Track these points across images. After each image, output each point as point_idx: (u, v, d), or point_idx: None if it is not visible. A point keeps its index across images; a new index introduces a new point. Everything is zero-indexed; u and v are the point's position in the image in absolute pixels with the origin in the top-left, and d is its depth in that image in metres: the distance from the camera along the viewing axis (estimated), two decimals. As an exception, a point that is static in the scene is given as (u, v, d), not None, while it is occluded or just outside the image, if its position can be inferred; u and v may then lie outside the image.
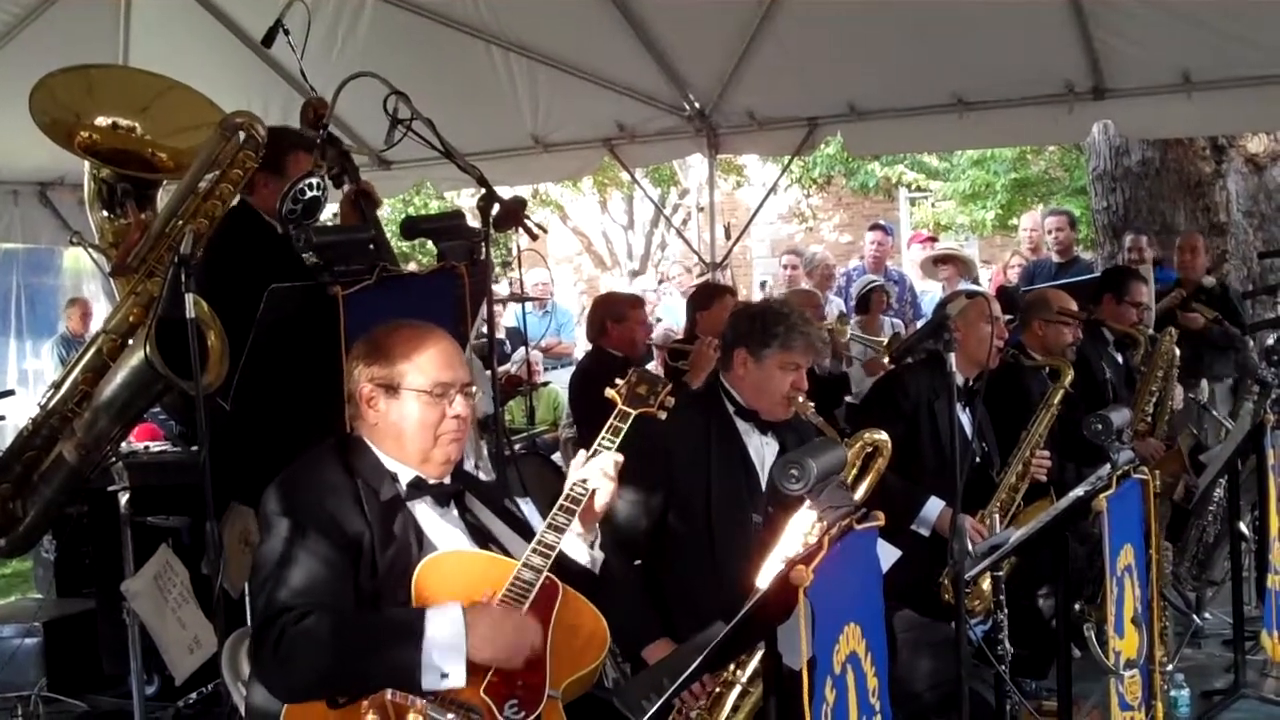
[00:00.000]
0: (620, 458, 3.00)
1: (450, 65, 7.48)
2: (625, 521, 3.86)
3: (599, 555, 3.07)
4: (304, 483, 2.92)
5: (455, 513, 3.07)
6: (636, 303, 6.80)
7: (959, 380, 4.90)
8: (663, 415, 3.16)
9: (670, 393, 3.16)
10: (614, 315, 6.44)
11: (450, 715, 2.66)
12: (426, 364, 2.98)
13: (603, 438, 3.06)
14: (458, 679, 2.69)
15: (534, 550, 2.89)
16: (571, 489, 2.96)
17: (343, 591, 2.78)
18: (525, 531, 3.11)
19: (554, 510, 2.94)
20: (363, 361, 3.02)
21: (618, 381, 3.16)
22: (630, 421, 3.09)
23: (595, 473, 2.97)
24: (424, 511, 3.00)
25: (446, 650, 2.68)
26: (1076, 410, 5.13)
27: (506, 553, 3.01)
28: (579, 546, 3.02)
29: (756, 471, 4.01)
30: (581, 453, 3.07)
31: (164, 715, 5.14)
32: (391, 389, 2.97)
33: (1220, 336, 7.03)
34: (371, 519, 2.88)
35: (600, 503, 2.99)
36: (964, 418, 4.87)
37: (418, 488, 2.99)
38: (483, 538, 3.06)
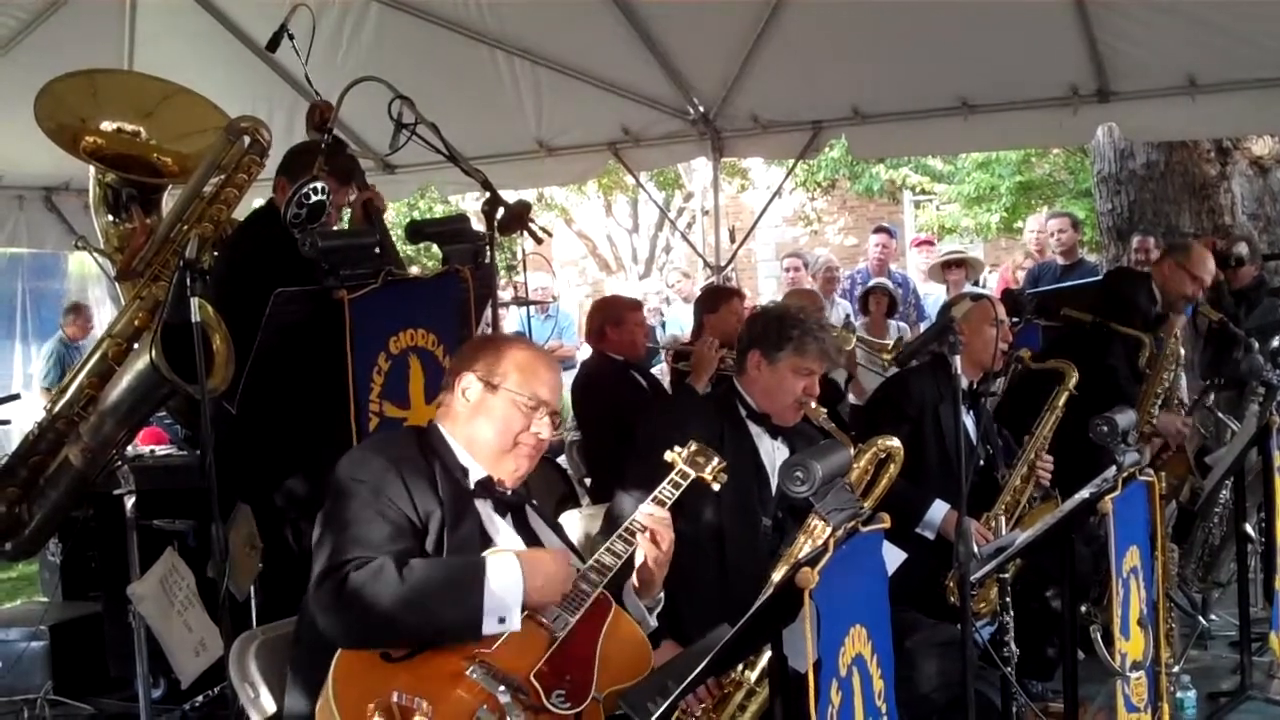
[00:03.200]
0: (668, 517, 3.14)
1: (454, 70, 7.49)
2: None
3: (653, 623, 3.17)
4: (382, 453, 2.96)
5: (512, 523, 3.11)
6: (635, 305, 6.79)
7: (963, 383, 4.89)
8: (716, 487, 3.35)
9: (722, 470, 3.34)
10: (613, 319, 6.43)
11: (502, 687, 2.70)
12: (533, 378, 3.06)
13: (663, 488, 3.24)
14: (514, 623, 2.78)
15: (591, 568, 3.00)
16: (632, 522, 3.10)
17: (408, 554, 2.82)
18: (576, 551, 3.26)
19: (613, 537, 3.08)
20: (473, 354, 3.13)
21: (677, 448, 3.32)
22: (689, 482, 3.28)
23: (646, 520, 3.09)
24: (487, 513, 3.04)
25: (505, 595, 2.76)
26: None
27: None
28: (636, 606, 3.14)
29: (767, 475, 4.01)
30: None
31: (170, 718, 5.15)
32: (491, 385, 3.04)
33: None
34: (445, 500, 2.93)
35: (650, 563, 3.10)
36: (968, 420, 4.87)
37: (485, 487, 3.04)
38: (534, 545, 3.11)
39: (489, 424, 3.03)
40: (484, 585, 2.75)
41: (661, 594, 3.20)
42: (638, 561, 3.10)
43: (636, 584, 3.14)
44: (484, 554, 2.85)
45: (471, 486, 3.02)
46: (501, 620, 2.76)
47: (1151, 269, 6.37)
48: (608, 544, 3.05)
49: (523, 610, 2.80)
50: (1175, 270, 6.14)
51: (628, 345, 6.41)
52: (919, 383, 4.98)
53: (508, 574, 2.79)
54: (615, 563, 3.02)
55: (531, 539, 3.11)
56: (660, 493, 3.21)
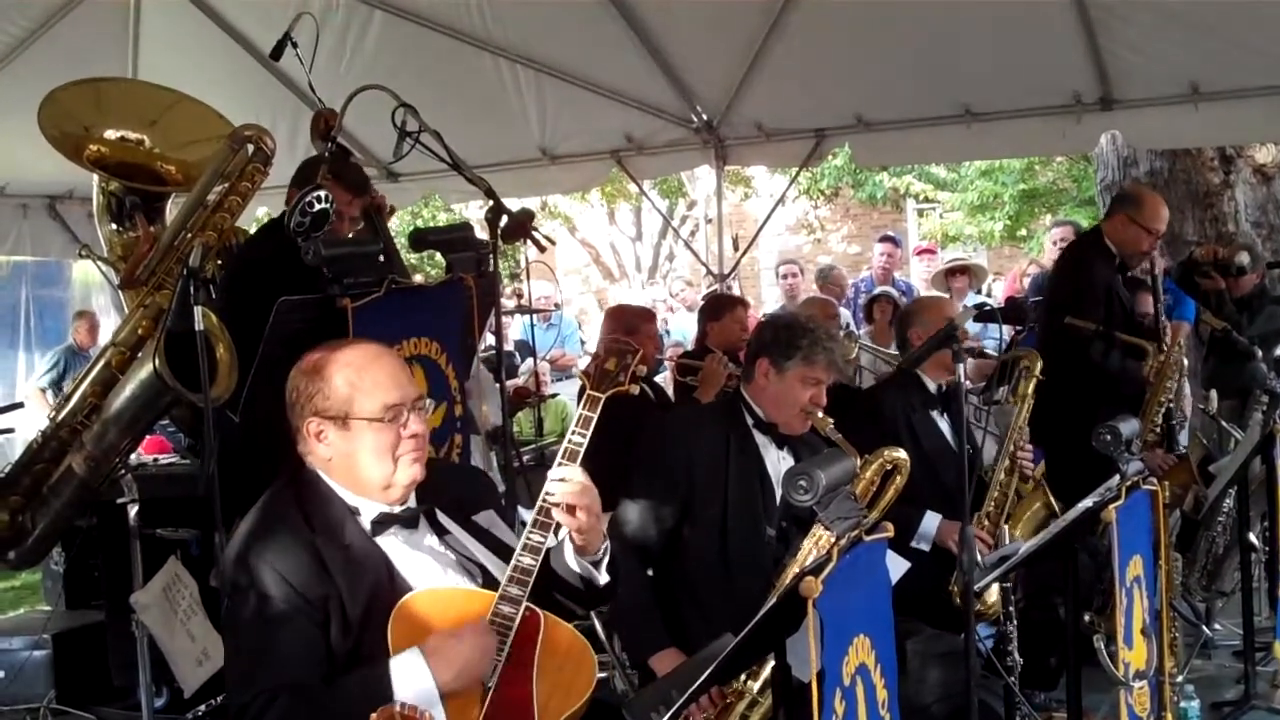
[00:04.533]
0: (584, 478, 2.77)
1: (458, 78, 7.50)
2: (637, 529, 3.87)
3: (604, 578, 2.90)
4: (264, 546, 2.73)
5: (424, 530, 2.91)
6: (648, 316, 6.79)
7: (931, 388, 4.91)
8: (635, 390, 2.95)
9: (641, 360, 2.94)
10: (625, 328, 6.42)
11: None
12: (373, 388, 2.79)
13: (573, 431, 2.81)
14: (440, 718, 2.60)
15: (510, 579, 2.73)
16: (543, 500, 2.76)
17: (315, 660, 2.66)
18: (495, 544, 2.94)
19: (527, 529, 2.76)
20: (304, 393, 2.83)
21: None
22: (600, 407, 2.85)
23: (558, 490, 2.75)
24: (393, 544, 2.83)
25: (418, 698, 2.53)
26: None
27: (484, 569, 2.86)
28: (582, 565, 2.86)
29: (772, 485, 4.01)
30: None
31: (173, 728, 5.14)
32: (341, 420, 2.79)
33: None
34: (336, 575, 2.71)
35: (576, 536, 2.80)
36: (943, 424, 4.89)
37: (383, 523, 2.83)
38: (458, 558, 2.90)
39: (362, 457, 2.79)
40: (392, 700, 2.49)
41: (606, 543, 2.88)
42: (565, 535, 2.80)
43: (574, 547, 2.83)
44: (390, 661, 2.60)
45: (369, 529, 2.81)
46: None
47: (1104, 224, 6.03)
48: (524, 537, 2.73)
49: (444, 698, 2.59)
50: (1127, 225, 5.84)
51: (638, 355, 6.39)
52: (887, 396, 4.99)
53: (415, 680, 2.57)
54: (534, 563, 2.71)
55: (450, 548, 2.89)
56: (571, 441, 2.79)
